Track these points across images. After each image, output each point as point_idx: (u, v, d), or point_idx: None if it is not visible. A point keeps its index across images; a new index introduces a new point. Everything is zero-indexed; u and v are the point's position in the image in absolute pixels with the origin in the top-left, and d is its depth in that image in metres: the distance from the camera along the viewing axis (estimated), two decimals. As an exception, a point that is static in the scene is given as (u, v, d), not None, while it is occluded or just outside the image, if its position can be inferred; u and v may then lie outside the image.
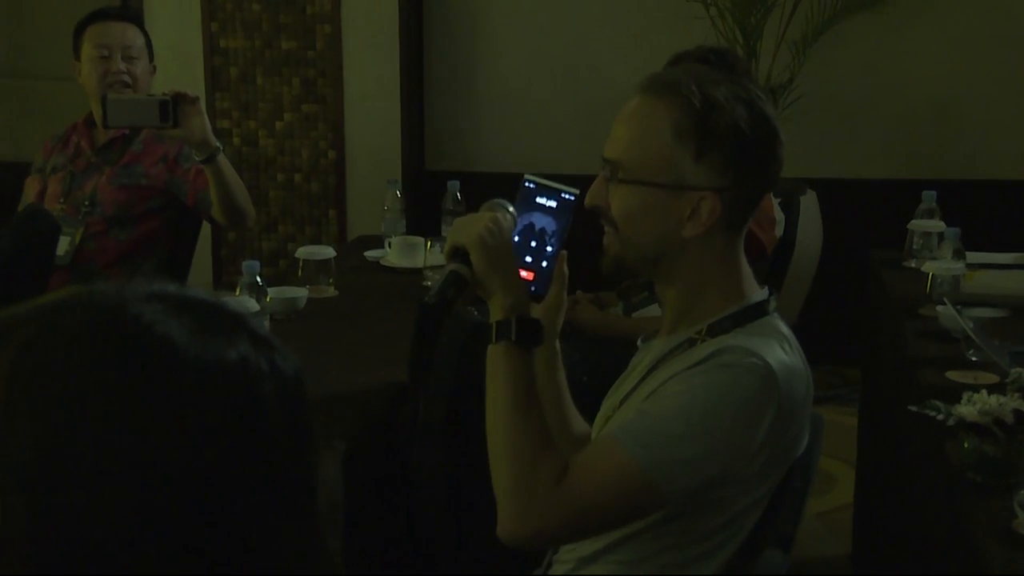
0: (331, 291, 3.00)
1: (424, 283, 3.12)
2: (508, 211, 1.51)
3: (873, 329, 3.22)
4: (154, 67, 3.24)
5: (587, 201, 1.50)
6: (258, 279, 2.63)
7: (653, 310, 3.01)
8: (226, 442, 0.73)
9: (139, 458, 0.70)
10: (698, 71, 1.48)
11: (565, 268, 1.57)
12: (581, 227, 1.60)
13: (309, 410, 0.78)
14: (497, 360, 1.45)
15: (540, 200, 1.55)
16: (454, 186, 3.63)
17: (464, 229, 1.46)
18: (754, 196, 1.49)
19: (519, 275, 1.47)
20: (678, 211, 1.46)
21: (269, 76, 4.81)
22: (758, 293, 1.52)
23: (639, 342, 1.66)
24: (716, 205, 1.46)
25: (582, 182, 1.54)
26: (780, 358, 1.43)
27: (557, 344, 1.64)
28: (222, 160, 2.99)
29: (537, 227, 1.54)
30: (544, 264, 1.54)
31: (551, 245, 1.54)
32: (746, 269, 1.53)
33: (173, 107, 2.88)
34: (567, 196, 1.54)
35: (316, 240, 4.80)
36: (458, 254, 1.46)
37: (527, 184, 1.55)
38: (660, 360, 1.52)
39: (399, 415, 2.28)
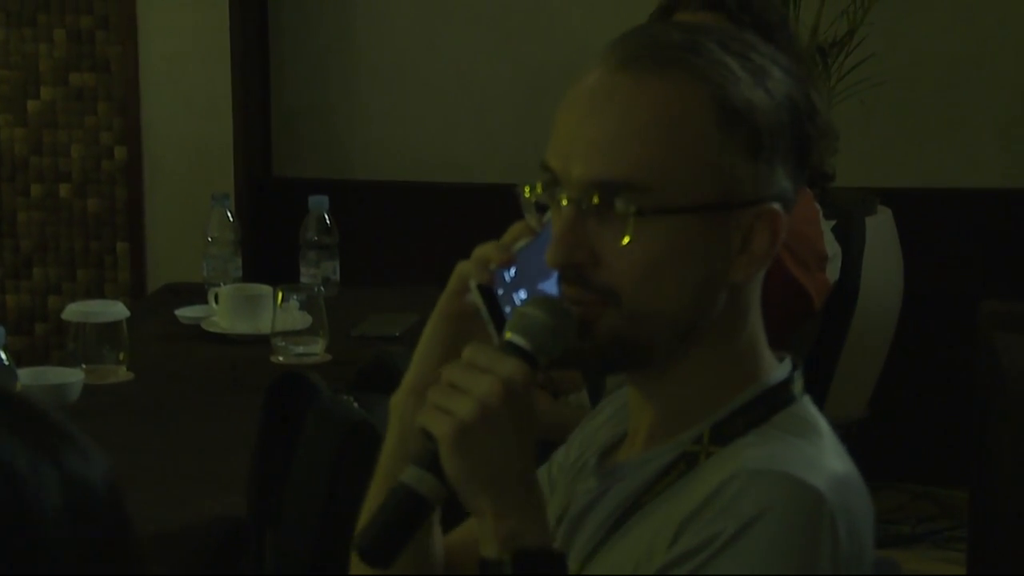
0: (122, 373, 3.01)
1: (273, 358, 3.11)
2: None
3: (986, 429, 3.26)
4: None
5: (560, 258, 1.46)
6: (1, 354, 2.63)
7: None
8: None
9: None
10: (694, 27, 1.52)
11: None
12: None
13: (131, 529, 0.82)
14: None
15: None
16: (319, 204, 3.64)
17: (438, 401, 1.38)
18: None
19: (528, 480, 1.42)
20: (726, 243, 1.48)
21: (15, 27, 4.80)
22: (777, 367, 1.55)
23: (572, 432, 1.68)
24: (779, 220, 1.49)
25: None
26: (828, 470, 1.45)
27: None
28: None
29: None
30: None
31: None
32: (762, 331, 1.57)
33: None
34: None
35: (96, 291, 4.77)
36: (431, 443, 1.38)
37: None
38: (646, 493, 1.52)
39: (232, 572, 2.27)
